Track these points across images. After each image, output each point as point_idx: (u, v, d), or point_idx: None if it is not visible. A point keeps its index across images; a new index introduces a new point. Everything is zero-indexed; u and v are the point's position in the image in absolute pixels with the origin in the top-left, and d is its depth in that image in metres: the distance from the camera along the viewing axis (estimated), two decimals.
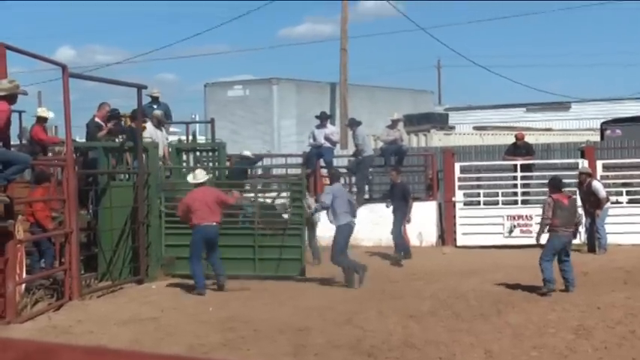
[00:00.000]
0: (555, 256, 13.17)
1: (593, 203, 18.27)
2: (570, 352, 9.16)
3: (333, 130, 21.59)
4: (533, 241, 18.68)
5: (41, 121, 16.43)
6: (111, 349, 1.18)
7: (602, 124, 26.49)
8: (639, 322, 10.47)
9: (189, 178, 14.62)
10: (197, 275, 13.91)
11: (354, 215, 14.77)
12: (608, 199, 18.49)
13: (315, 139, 20.75)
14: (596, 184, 18.27)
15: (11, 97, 10.69)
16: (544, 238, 13.49)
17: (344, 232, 14.45)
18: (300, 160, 22.00)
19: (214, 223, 14.01)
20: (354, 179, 21.34)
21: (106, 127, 16.57)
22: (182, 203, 14.27)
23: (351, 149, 22.90)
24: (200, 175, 14.48)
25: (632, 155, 21.47)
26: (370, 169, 21.79)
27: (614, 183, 20.10)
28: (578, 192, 19.03)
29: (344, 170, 21.92)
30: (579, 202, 18.88)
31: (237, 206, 15.76)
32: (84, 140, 17.21)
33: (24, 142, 18.13)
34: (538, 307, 11.74)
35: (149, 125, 16.93)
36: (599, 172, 19.85)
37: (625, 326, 10.28)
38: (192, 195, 14.17)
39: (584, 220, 16.80)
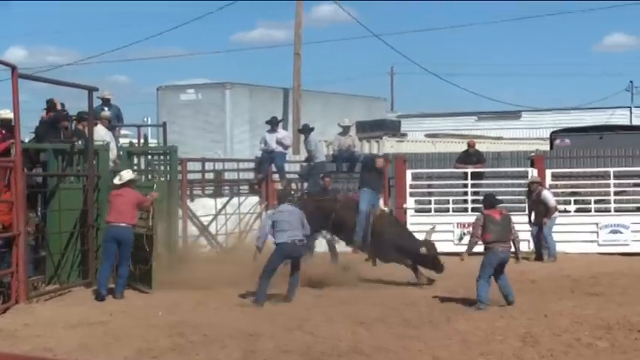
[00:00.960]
0: (492, 274, 12.71)
1: (542, 212, 18.54)
2: (517, 359, 9.25)
3: (284, 134, 21.59)
4: (482, 249, 18.97)
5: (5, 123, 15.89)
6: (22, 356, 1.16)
7: (552, 133, 26.74)
8: (585, 330, 10.60)
9: (115, 180, 14.53)
10: (99, 277, 13.89)
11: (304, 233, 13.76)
12: (556, 208, 18.75)
13: (266, 144, 20.75)
14: (546, 193, 18.60)
15: None
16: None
17: (280, 250, 13.45)
18: (252, 165, 21.97)
19: (124, 224, 13.96)
20: (306, 185, 21.37)
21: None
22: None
23: (303, 155, 22.91)
24: (125, 176, 14.47)
25: (581, 165, 21.70)
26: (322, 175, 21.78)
27: (562, 192, 20.33)
28: (527, 200, 19.30)
29: (295, 176, 21.95)
30: (526, 211, 19.18)
31: None
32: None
33: None
34: (486, 314, 11.84)
35: (99, 127, 16.79)
36: (548, 181, 20.07)
37: (571, 334, 10.41)
38: (113, 193, 14.26)
39: (524, 234, 17.11)
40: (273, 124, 21.06)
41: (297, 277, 13.62)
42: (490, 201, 13.50)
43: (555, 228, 19.06)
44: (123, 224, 13.98)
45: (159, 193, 15.17)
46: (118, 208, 14.02)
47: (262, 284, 13.20)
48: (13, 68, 12.49)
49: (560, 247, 18.63)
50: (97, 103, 17.05)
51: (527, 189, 19.10)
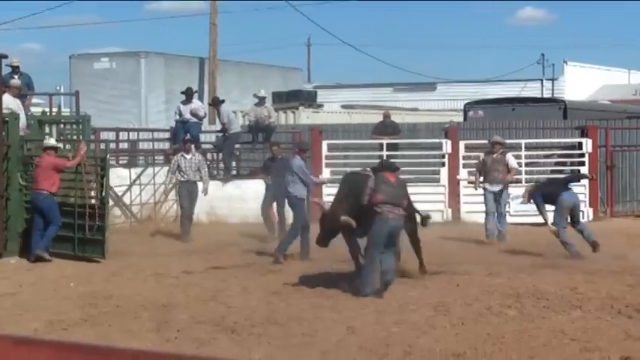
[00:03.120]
0: (382, 250, 11.18)
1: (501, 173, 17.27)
2: (429, 327, 9.38)
3: (198, 105, 21.39)
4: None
5: None
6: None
7: (466, 105, 27.11)
8: (496, 299, 10.80)
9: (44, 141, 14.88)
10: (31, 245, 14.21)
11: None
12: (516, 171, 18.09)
13: (181, 114, 20.57)
14: (510, 156, 17.63)
15: None
16: None
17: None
18: (167, 135, 21.78)
19: (40, 191, 14.26)
20: (220, 155, 21.30)
21: None
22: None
23: (218, 125, 22.80)
24: (45, 143, 14.83)
25: (493, 136, 22.02)
26: (238, 146, 21.73)
27: (475, 163, 20.58)
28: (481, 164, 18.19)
29: (209, 146, 21.81)
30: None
31: None
32: None
33: None
34: (400, 284, 11.94)
35: (6, 96, 16.39)
36: (462, 152, 20.33)
37: (482, 303, 10.59)
38: (35, 162, 14.66)
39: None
40: (188, 94, 20.88)
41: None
42: (387, 164, 12.75)
43: (468, 199, 19.34)
44: (39, 191, 14.18)
45: (86, 147, 14.97)
46: (36, 177, 14.31)
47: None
48: None
49: (472, 218, 18.90)
50: (5, 71, 16.62)
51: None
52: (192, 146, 18.25)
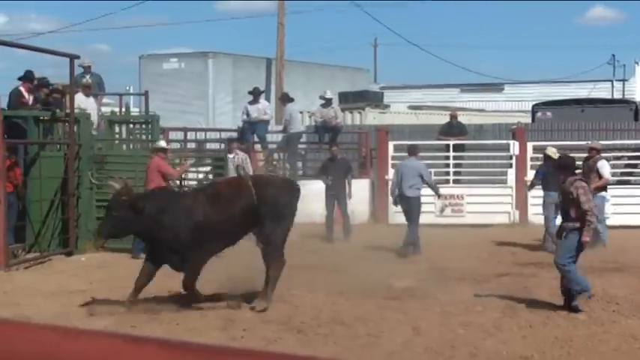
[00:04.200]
0: None
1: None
2: (496, 329, 9.32)
3: (265, 105, 21.50)
4: (463, 221, 19.07)
5: None
6: (73, 329, 1.16)
7: (534, 106, 26.82)
8: (562, 302, 10.67)
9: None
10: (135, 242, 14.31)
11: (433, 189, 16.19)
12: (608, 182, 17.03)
13: (248, 114, 20.70)
14: (603, 163, 16.73)
15: None
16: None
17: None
18: (234, 135, 21.94)
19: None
20: (286, 155, 21.41)
21: (30, 98, 16.28)
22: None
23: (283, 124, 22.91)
24: (160, 143, 15.09)
25: (562, 138, 21.79)
26: (304, 146, 21.81)
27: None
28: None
29: (274, 146, 21.93)
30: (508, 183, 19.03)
31: None
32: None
33: None
34: (466, 286, 11.89)
35: (79, 95, 16.69)
36: (530, 153, 20.12)
37: (549, 305, 10.47)
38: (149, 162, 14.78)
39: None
40: (255, 94, 21.01)
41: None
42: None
43: (536, 201, 19.11)
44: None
45: (188, 166, 15.42)
46: (146, 177, 14.36)
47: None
48: None
49: (540, 220, 18.61)
50: (77, 71, 16.93)
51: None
52: (235, 144, 18.33)
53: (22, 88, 16.31)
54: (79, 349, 1.05)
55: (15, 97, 16.07)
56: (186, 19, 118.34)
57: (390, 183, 18.01)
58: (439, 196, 16.88)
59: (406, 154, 17.49)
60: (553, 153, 16.33)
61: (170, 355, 1.03)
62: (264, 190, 10.71)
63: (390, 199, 16.31)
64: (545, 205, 16.42)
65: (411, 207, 15.73)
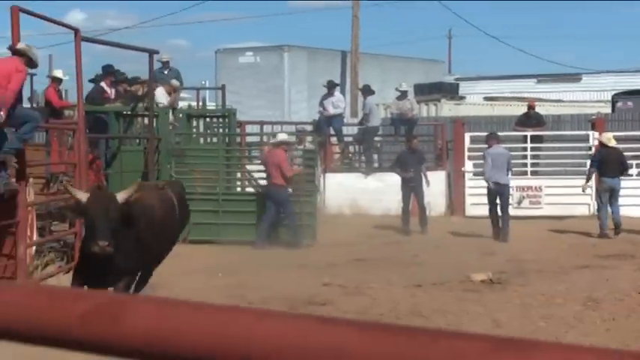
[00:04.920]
0: None
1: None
2: (578, 322, 9.21)
3: (339, 98, 21.44)
4: (542, 213, 18.83)
5: (55, 82, 16.39)
6: (184, 301, 1.19)
7: (614, 96, 26.41)
8: None
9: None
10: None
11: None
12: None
13: (325, 108, 20.70)
14: None
15: (29, 60, 10.65)
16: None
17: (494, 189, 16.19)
18: (309, 128, 22.01)
19: (273, 184, 15.28)
20: (362, 148, 21.41)
21: (112, 92, 16.59)
22: (261, 157, 16.16)
23: (360, 117, 22.90)
24: (280, 136, 16.00)
25: None
26: (379, 139, 21.79)
27: (625, 155, 19.98)
28: None
29: (351, 139, 21.96)
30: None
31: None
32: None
33: (34, 105, 18.14)
34: (546, 278, 11.77)
35: (160, 90, 16.92)
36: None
37: (633, 298, 10.33)
38: (267, 153, 15.64)
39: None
40: (330, 87, 21.03)
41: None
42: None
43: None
44: (274, 185, 15.29)
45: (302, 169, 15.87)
46: (270, 171, 15.31)
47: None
48: (76, 31, 12.60)
49: (622, 211, 18.28)
50: (156, 66, 17.17)
51: None
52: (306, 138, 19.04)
53: (103, 84, 16.61)
54: (271, 331, 1.08)
55: (98, 93, 16.38)
56: (261, 13, 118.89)
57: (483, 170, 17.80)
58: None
59: (483, 145, 17.45)
60: (608, 139, 16.42)
61: (366, 335, 1.05)
62: None
63: (488, 184, 16.52)
64: (598, 191, 16.86)
65: (505, 194, 16.41)
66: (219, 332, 1.10)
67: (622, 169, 17.03)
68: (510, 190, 16.78)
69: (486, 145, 17.07)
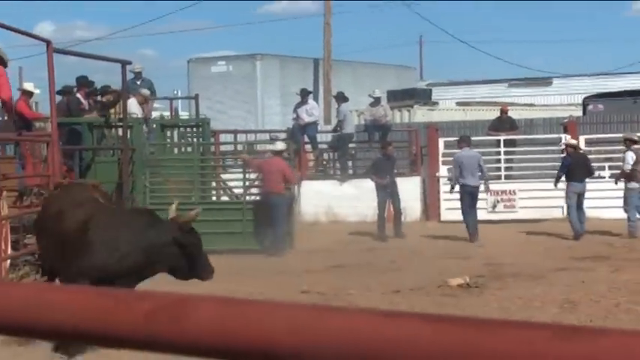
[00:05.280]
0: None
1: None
2: None
3: (312, 105, 21.48)
4: (516, 216, 18.91)
5: (26, 95, 16.30)
6: (246, 300, 1.20)
7: (585, 99, 26.57)
8: (623, 296, 10.57)
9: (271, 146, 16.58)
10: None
11: (481, 178, 16.97)
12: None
13: (299, 116, 20.71)
14: (626, 154, 17.12)
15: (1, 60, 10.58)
16: None
17: (464, 191, 16.70)
18: (283, 136, 22.01)
19: (271, 191, 15.37)
20: (336, 155, 21.45)
21: (87, 104, 16.52)
22: (256, 165, 15.99)
23: (333, 124, 22.93)
24: (279, 145, 16.18)
25: (615, 130, 21.54)
26: (354, 145, 21.83)
27: (596, 158, 20.16)
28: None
29: (325, 146, 21.99)
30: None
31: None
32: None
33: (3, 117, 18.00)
34: (523, 281, 11.83)
35: (132, 101, 16.87)
36: (582, 146, 19.93)
37: (610, 300, 10.39)
38: (265, 162, 15.82)
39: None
40: (303, 95, 21.03)
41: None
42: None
43: (590, 194, 18.96)
44: (271, 192, 15.40)
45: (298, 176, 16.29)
46: (268, 178, 15.51)
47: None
48: (48, 43, 12.53)
49: (594, 213, 18.44)
50: (129, 77, 17.11)
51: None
52: None
53: (79, 95, 16.54)
54: (337, 326, 1.09)
55: (74, 104, 16.30)
56: (232, 22, 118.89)
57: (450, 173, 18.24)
58: (488, 188, 17.59)
59: (457, 150, 17.63)
60: (576, 144, 16.77)
61: (436, 327, 1.07)
62: None
63: (451, 185, 17.39)
64: (568, 194, 17.16)
65: (475, 196, 16.91)
66: (283, 328, 1.12)
67: (588, 173, 17.38)
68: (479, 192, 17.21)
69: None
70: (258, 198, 16.14)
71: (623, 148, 17.43)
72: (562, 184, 17.49)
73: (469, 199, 16.81)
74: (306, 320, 1.10)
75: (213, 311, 1.16)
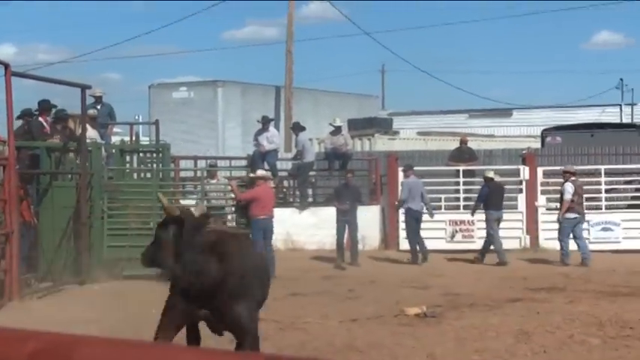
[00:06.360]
0: None
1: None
2: (510, 355, 9.30)
3: (273, 133, 21.42)
4: (474, 247, 19.03)
5: None
6: (134, 341, 1.20)
7: (543, 131, 26.82)
8: (577, 327, 10.66)
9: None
10: None
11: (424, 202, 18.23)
12: (570, 203, 17.76)
13: (260, 143, 20.67)
14: (567, 186, 17.71)
15: None
16: None
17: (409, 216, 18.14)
18: (244, 163, 21.98)
19: (269, 216, 16.07)
20: (296, 183, 21.45)
21: (49, 128, 16.38)
22: (251, 194, 16.09)
23: (294, 152, 22.95)
24: (262, 172, 16.98)
25: (572, 162, 21.74)
26: (314, 173, 21.86)
27: (554, 189, 20.35)
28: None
29: (285, 174, 22.00)
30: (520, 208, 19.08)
31: None
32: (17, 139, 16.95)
33: None
34: (479, 311, 11.89)
35: (88, 126, 16.76)
36: (540, 178, 20.14)
37: (564, 331, 10.46)
38: (261, 189, 16.20)
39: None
40: (264, 122, 20.99)
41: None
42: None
43: (547, 226, 19.15)
44: (270, 217, 16.10)
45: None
46: (266, 204, 16.04)
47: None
48: (6, 66, 12.47)
49: (551, 245, 18.65)
50: (89, 101, 17.02)
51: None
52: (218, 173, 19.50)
53: (41, 119, 16.42)
54: None
55: (37, 129, 16.16)
56: (195, 48, 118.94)
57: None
58: (432, 215, 18.49)
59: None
60: (493, 175, 17.46)
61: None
62: None
63: (397, 207, 18.95)
64: (488, 222, 18.11)
65: (420, 220, 18.14)
66: None
67: (502, 201, 18.54)
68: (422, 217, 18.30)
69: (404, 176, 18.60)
70: (258, 222, 15.94)
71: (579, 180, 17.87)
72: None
73: (414, 223, 18.07)
74: None
75: (97, 353, 1.16)
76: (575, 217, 17.58)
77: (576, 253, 17.40)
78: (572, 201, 17.45)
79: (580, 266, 16.88)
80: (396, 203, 18.91)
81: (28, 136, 15.97)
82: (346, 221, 17.71)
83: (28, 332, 1.28)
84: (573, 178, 17.73)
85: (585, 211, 18.36)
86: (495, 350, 9.53)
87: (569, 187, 17.53)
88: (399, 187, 20.09)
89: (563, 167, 18.77)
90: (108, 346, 1.17)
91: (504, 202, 18.80)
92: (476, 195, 19.71)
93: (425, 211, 18.30)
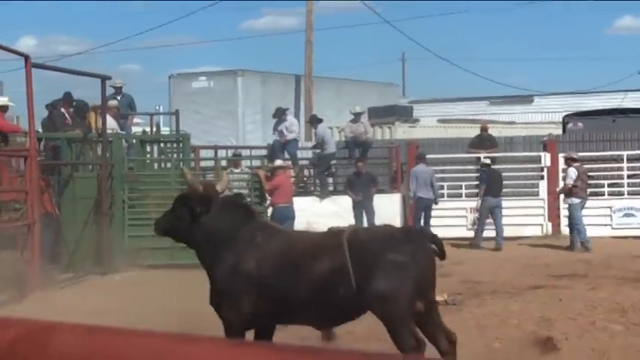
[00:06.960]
0: None
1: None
2: (532, 343, 9.26)
3: (292, 121, 21.38)
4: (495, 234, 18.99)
5: (1, 109, 16.22)
6: (113, 328, 1.20)
7: (564, 117, 26.66)
8: (600, 314, 10.60)
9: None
10: None
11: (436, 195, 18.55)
12: (568, 189, 18.04)
13: (280, 134, 20.65)
14: (570, 171, 18.06)
15: None
16: None
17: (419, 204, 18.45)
18: (264, 152, 21.99)
19: (289, 204, 16.65)
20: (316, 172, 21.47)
21: (70, 119, 16.47)
22: (275, 182, 16.40)
23: (314, 141, 22.93)
24: (279, 162, 17.32)
25: (594, 148, 21.67)
26: (334, 162, 21.84)
27: None
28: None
29: (306, 162, 22.00)
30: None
31: None
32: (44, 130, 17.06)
33: None
34: (501, 299, 11.85)
35: (108, 117, 16.83)
36: (561, 165, 20.04)
37: (586, 318, 10.40)
38: (283, 177, 16.79)
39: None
40: (279, 114, 20.91)
41: None
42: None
43: (567, 212, 19.08)
44: (289, 205, 16.64)
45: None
46: (286, 192, 16.67)
47: None
48: (27, 58, 12.52)
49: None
50: (109, 92, 17.08)
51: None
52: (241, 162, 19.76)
53: (63, 110, 16.51)
54: (190, 354, 1.10)
55: (59, 120, 16.26)
56: (214, 38, 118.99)
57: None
58: (437, 202, 18.74)
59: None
60: (489, 161, 19.04)
61: (279, 357, 1.08)
62: None
63: (414, 198, 18.87)
64: (482, 208, 18.54)
65: (430, 208, 18.40)
66: (141, 356, 1.12)
67: (501, 189, 18.76)
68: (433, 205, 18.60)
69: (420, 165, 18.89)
70: (278, 210, 16.33)
71: (601, 166, 17.92)
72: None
73: (424, 212, 18.41)
74: (164, 348, 1.11)
75: (77, 339, 1.16)
76: (581, 201, 17.73)
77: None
78: (575, 186, 17.62)
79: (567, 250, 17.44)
80: (410, 194, 19.02)
81: (51, 126, 16.08)
82: (363, 207, 17.98)
83: (9, 320, 1.29)
84: (577, 164, 17.92)
85: (608, 197, 18.44)
86: (517, 338, 9.49)
87: (572, 173, 17.82)
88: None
89: (564, 154, 19.25)
90: (86, 333, 1.17)
91: (524, 189, 18.75)
92: None
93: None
